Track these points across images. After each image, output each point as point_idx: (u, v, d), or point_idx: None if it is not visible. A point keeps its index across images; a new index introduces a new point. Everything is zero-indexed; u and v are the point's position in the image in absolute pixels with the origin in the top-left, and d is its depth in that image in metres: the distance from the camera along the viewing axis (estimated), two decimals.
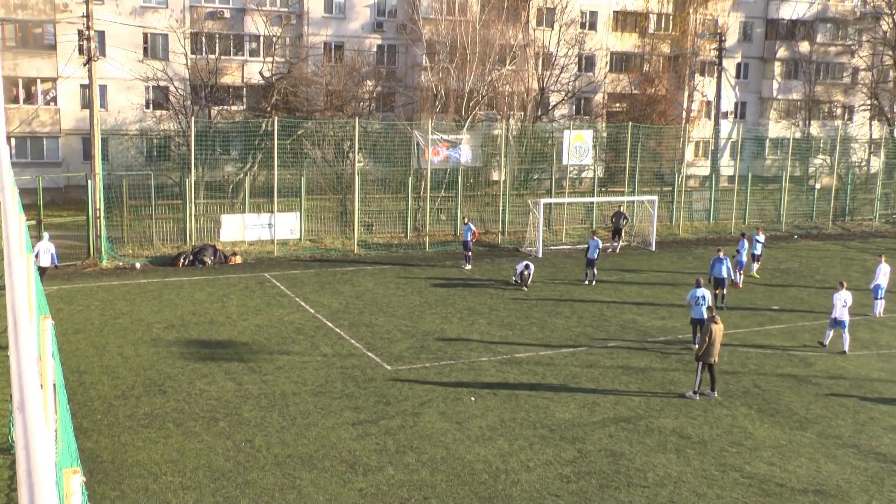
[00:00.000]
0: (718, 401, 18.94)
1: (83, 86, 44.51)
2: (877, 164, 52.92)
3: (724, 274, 27.41)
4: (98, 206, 31.43)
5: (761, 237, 33.36)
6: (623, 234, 37.86)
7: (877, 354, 23.11)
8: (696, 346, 19.56)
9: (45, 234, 28.03)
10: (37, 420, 3.18)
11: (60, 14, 44.99)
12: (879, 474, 15.45)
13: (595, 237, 30.97)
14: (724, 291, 27.79)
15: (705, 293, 22.65)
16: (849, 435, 17.28)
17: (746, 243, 31.40)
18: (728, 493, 14.47)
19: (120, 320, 23.99)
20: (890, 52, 61.15)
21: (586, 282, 30.64)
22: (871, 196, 49.43)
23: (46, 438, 3.15)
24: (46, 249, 26.96)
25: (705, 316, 20.84)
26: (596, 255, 30.51)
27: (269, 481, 14.23)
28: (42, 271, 27.03)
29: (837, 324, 23.15)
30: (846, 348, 23.14)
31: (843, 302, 23.02)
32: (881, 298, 27.44)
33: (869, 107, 64.14)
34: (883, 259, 27.76)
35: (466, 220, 33.61)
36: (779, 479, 15.05)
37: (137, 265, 31.36)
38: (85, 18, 33.11)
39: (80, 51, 40.44)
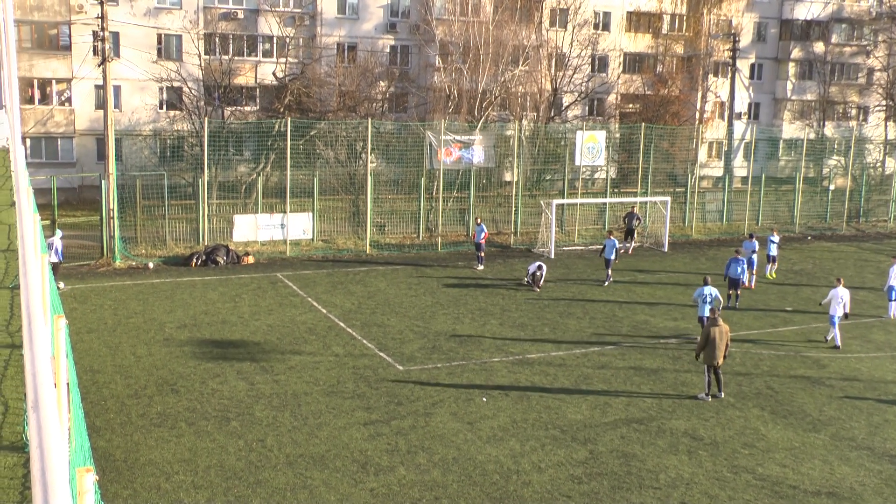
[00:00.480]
0: (731, 402, 18.88)
1: (97, 86, 44.72)
2: (892, 164, 52.62)
3: (740, 274, 27.35)
4: (112, 207, 31.57)
5: (776, 237, 32.99)
6: (636, 235, 37.77)
7: (891, 356, 22.98)
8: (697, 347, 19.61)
9: (58, 232, 28.05)
10: (50, 419, 3.21)
11: (75, 15, 45.26)
12: (894, 477, 15.37)
13: (611, 237, 30.98)
14: (738, 292, 27.74)
15: (713, 291, 22.82)
16: (863, 437, 17.19)
17: (757, 244, 31.19)
18: (740, 494, 14.42)
19: (133, 320, 24.10)
20: None
21: (606, 283, 30.69)
22: (886, 197, 49.14)
23: (60, 437, 3.18)
24: (51, 244, 26.96)
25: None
26: (613, 255, 30.57)
27: (281, 481, 14.27)
28: (54, 268, 27.26)
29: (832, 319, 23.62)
30: (828, 338, 23.80)
31: (839, 299, 23.36)
32: (895, 300, 27.29)
33: (884, 107, 63.77)
34: None
35: (479, 220, 33.66)
36: (792, 481, 14.99)
37: (150, 265, 31.50)
38: (100, 20, 33.33)
39: (95, 52, 40.62)
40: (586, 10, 56.49)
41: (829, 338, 23.90)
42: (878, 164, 55.52)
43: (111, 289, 27.93)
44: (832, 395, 19.68)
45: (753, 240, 31.24)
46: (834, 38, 64.65)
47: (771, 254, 32.61)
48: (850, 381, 20.69)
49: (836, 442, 16.91)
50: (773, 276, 32.65)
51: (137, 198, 33.40)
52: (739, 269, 27.29)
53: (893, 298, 27.28)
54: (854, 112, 66.88)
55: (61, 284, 27.56)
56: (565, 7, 55.79)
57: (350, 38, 52.53)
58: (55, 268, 27.13)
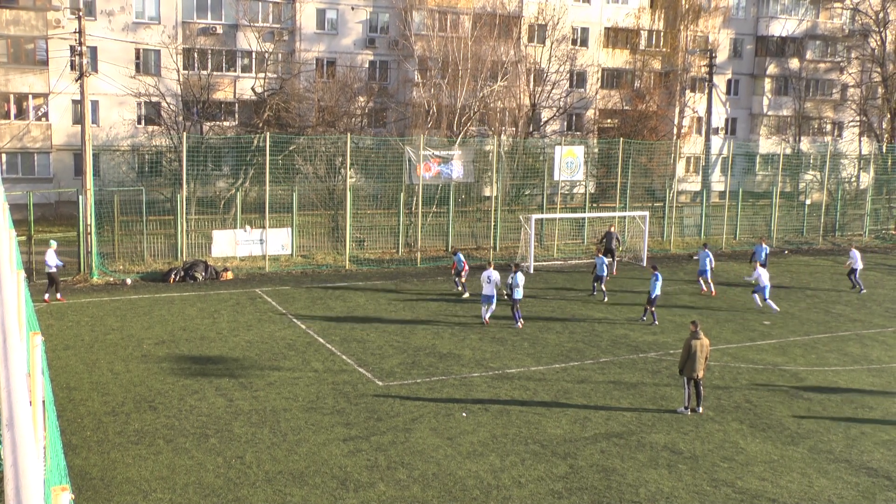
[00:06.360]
0: (710, 416, 18.96)
1: (75, 101, 44.52)
2: (866, 179, 53.21)
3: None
4: (89, 222, 31.36)
5: (765, 247, 34.43)
6: (615, 255, 37.40)
7: (867, 369, 23.17)
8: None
9: (52, 243, 28.59)
10: (26, 437, 3.17)
11: (52, 30, 45.04)
12: (871, 489, 15.47)
13: (600, 255, 31.42)
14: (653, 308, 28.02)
15: (519, 279, 25.97)
16: (840, 450, 17.30)
17: (711, 254, 32.42)
18: None
19: (110, 336, 23.91)
20: (878, 69, 61.62)
21: (595, 293, 31.13)
22: (861, 212, 49.65)
23: (35, 456, 3.14)
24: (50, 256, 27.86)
25: (519, 297, 25.94)
26: (604, 273, 30.85)
27: (260, 498, 14.16)
28: (50, 278, 28.06)
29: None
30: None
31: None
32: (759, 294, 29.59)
33: (858, 123, 64.54)
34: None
35: (456, 249, 32.27)
36: (770, 495, 15.05)
37: (128, 281, 31.27)
38: (77, 34, 33.14)
39: (72, 66, 40.46)
40: (564, 26, 56.90)
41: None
42: (853, 179, 56.13)
43: (88, 305, 27.71)
44: (810, 408, 19.81)
45: (707, 250, 32.46)
46: (808, 55, 65.43)
47: (761, 261, 33.79)
48: (828, 395, 20.84)
49: (815, 455, 17.00)
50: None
51: (115, 213, 33.19)
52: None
53: (758, 291, 29.54)
54: (829, 127, 67.63)
55: (58, 294, 27.88)
56: (543, 23, 56.18)
57: (329, 53, 52.60)
58: (52, 278, 28.02)
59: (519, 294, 26.15)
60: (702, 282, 32.67)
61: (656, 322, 27.22)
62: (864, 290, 33.81)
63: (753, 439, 17.70)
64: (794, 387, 21.39)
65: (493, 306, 26.62)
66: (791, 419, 18.98)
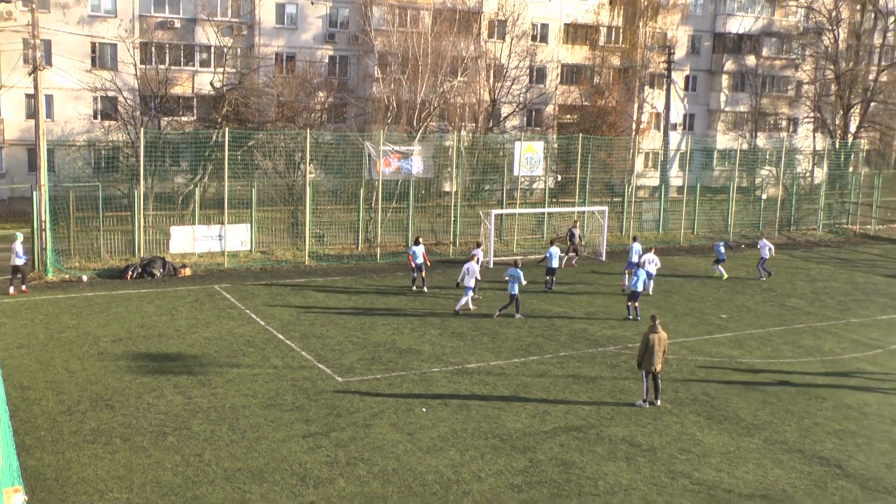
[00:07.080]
0: (668, 408, 19.18)
1: (28, 95, 43.75)
2: (820, 174, 54.08)
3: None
4: (43, 218, 30.88)
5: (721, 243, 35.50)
6: (579, 251, 37.55)
7: (820, 361, 23.59)
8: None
9: (19, 235, 28.79)
10: None
11: (4, 22, 44.16)
12: (823, 478, 15.77)
13: (553, 246, 31.78)
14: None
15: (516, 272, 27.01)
16: (794, 440, 17.61)
17: (641, 247, 33.15)
18: (677, 499, 14.65)
19: (66, 334, 23.57)
20: (831, 66, 62.61)
21: (549, 287, 31.67)
22: (815, 206, 50.46)
23: None
24: (13, 248, 28.14)
25: (516, 292, 26.88)
26: (554, 265, 31.41)
27: (219, 496, 14.08)
28: (18, 270, 28.29)
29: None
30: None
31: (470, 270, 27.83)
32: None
33: (812, 119, 65.54)
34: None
35: (420, 238, 32.03)
36: (727, 485, 15.28)
37: (84, 278, 30.85)
38: (30, 27, 32.54)
39: (25, 60, 39.76)
40: (524, 22, 57.07)
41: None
42: (808, 174, 57.00)
43: (43, 302, 27.29)
44: (765, 399, 20.13)
45: (636, 243, 33.25)
46: (765, 52, 66.39)
47: (721, 258, 35.04)
48: (782, 386, 21.18)
49: (770, 445, 17.29)
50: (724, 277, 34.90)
51: (71, 209, 32.68)
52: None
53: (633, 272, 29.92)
54: (785, 123, 68.67)
55: (23, 286, 28.15)
56: (503, 19, 56.29)
57: (288, 48, 52.28)
58: (19, 270, 28.31)
59: (515, 289, 27.12)
60: (627, 274, 32.75)
61: (631, 317, 27.41)
62: (765, 279, 35.16)
63: (710, 431, 17.95)
64: (750, 378, 21.72)
65: (468, 297, 27.83)
66: (747, 411, 19.28)
